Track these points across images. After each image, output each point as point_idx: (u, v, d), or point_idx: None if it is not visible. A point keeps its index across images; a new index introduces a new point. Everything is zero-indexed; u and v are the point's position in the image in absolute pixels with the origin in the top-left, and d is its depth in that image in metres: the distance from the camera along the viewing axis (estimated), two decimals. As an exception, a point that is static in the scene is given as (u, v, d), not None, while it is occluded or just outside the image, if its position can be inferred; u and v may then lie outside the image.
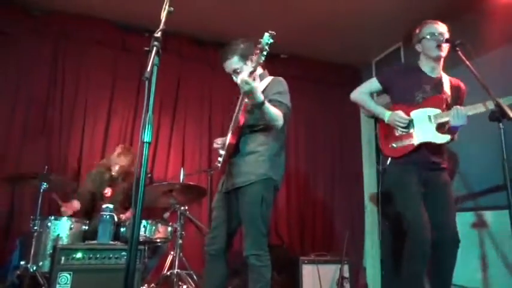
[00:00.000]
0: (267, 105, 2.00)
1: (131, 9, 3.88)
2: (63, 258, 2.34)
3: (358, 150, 4.90)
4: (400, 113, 2.36)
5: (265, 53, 1.92)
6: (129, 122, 4.04)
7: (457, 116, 2.21)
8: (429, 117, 2.31)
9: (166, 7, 1.86)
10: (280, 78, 2.30)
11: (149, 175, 3.60)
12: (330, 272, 3.67)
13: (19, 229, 3.35)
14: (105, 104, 3.99)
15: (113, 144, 3.83)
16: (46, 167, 3.05)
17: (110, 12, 3.94)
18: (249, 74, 1.96)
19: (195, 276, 3.21)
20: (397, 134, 2.38)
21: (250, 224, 2.10)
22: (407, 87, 2.40)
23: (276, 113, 2.07)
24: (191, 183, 3.47)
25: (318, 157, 4.76)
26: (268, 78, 2.30)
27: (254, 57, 1.94)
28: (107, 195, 3.43)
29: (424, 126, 2.31)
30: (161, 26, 1.83)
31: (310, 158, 4.71)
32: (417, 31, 2.45)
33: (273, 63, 3.80)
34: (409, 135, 2.34)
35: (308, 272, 3.61)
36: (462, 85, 2.47)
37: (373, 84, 2.55)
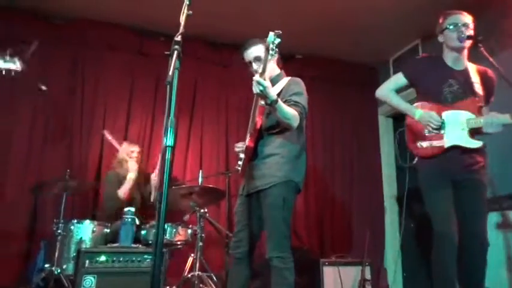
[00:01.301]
0: (280, 103, 1.99)
1: (147, 15, 3.93)
2: (87, 261, 2.37)
3: (376, 150, 4.84)
4: (433, 113, 2.29)
5: (272, 52, 1.92)
6: (148, 126, 4.08)
7: (490, 125, 2.17)
8: (462, 121, 2.24)
9: (185, 11, 1.86)
10: (297, 79, 2.28)
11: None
12: (351, 273, 3.63)
13: (43, 232, 3.41)
14: (123, 108, 4.04)
15: (131, 148, 3.87)
16: (68, 171, 3.09)
17: (126, 18, 3.99)
18: (260, 74, 1.96)
19: (215, 278, 3.22)
20: (426, 134, 2.32)
21: (272, 226, 2.10)
22: (434, 82, 2.34)
23: (290, 112, 2.05)
24: (210, 185, 3.47)
25: (335, 157, 4.71)
26: (285, 79, 2.29)
27: (262, 57, 1.95)
28: (124, 197, 3.46)
29: (456, 130, 2.24)
30: (181, 30, 1.83)
31: (328, 158, 4.67)
32: (440, 21, 2.38)
33: (288, 64, 3.79)
34: (440, 137, 2.27)
35: (329, 274, 3.57)
36: (490, 73, 2.37)
37: (399, 79, 2.48)
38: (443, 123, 2.27)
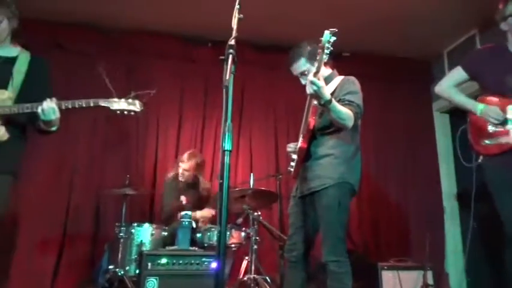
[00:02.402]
0: (334, 103, 1.94)
1: (194, 22, 4.02)
2: (149, 263, 2.45)
3: (432, 148, 4.61)
4: (495, 108, 2.14)
5: (327, 51, 1.88)
6: (199, 130, 4.18)
7: None
8: None
9: (237, 14, 1.87)
10: (351, 78, 2.22)
11: (220, 181, 3.65)
12: (411, 278, 3.46)
13: (106, 235, 3.59)
14: (175, 114, 4.17)
15: (184, 152, 3.96)
16: (128, 176, 3.24)
17: (175, 26, 4.11)
18: (314, 74, 1.92)
19: (270, 281, 3.21)
20: (490, 131, 2.16)
21: (328, 229, 2.06)
22: (498, 73, 2.17)
23: (344, 112, 1.99)
24: (262, 188, 3.48)
25: (388, 157, 4.55)
26: (338, 78, 2.24)
27: (317, 57, 1.90)
28: (182, 202, 3.55)
29: None
30: (234, 34, 1.84)
31: (380, 159, 4.51)
32: (501, 7, 2.20)
33: (335, 62, 3.71)
34: (505, 133, 2.11)
35: (388, 278, 3.44)
36: None
37: (458, 74, 2.33)
38: (506, 118, 2.10)
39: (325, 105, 1.92)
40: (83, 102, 1.86)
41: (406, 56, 4.64)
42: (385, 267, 3.49)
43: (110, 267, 2.96)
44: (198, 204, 3.59)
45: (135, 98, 1.99)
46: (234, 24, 1.87)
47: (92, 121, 3.97)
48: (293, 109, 4.34)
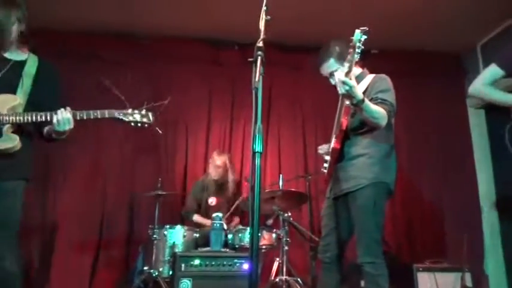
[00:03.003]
0: (367, 103, 1.91)
1: (220, 26, 4.06)
2: (183, 265, 2.49)
3: (467, 145, 4.44)
4: None
5: (358, 50, 1.85)
6: (227, 133, 4.23)
7: None
8: None
9: (264, 16, 1.87)
10: (383, 76, 2.18)
11: (248, 182, 3.68)
12: (448, 280, 3.35)
13: (139, 236, 3.70)
14: (204, 116, 4.23)
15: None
16: (159, 179, 3.31)
17: (201, 31, 4.17)
18: (345, 74, 1.89)
19: (301, 283, 3.19)
20: None
21: (363, 231, 2.03)
22: None
23: (377, 111, 1.95)
24: (292, 189, 3.47)
25: (420, 156, 4.42)
26: (369, 77, 2.20)
27: (348, 56, 1.87)
28: (212, 204, 3.59)
29: None
30: (262, 36, 1.83)
31: (413, 158, 4.38)
32: None
33: (363, 60, 3.65)
34: None
35: (424, 280, 3.34)
36: None
37: (494, 71, 2.22)
38: None
39: (357, 105, 1.89)
40: (98, 114, 1.85)
41: (436, 50, 4.49)
42: (421, 269, 3.39)
43: (145, 268, 3.03)
44: (227, 206, 3.62)
45: (148, 110, 1.97)
46: (262, 26, 1.86)
47: (123, 126, 4.06)
48: (321, 108, 4.31)
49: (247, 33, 4.16)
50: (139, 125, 1.93)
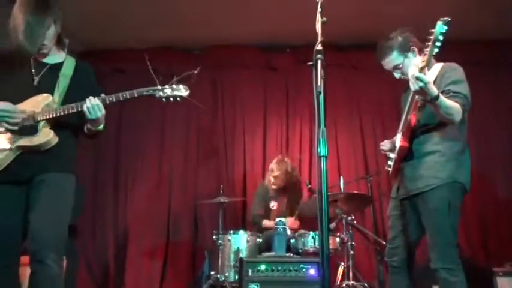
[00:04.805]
0: (442, 98, 1.79)
1: (271, 31, 4.08)
2: (249, 270, 2.52)
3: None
4: None
5: (439, 44, 1.73)
6: (283, 137, 4.24)
7: None
8: None
9: (320, 18, 1.84)
10: (454, 65, 2.03)
11: (309, 186, 3.65)
12: (534, 285, 3.06)
13: (204, 241, 3.82)
14: (260, 122, 4.28)
15: (270, 159, 4.04)
16: (221, 186, 3.40)
17: (253, 37, 4.23)
18: (420, 69, 1.80)
19: (368, 287, 3.09)
20: None
21: (437, 234, 1.91)
22: None
23: (452, 107, 1.84)
24: (355, 191, 3.38)
25: (492, 150, 4.11)
26: (437, 66, 2.05)
27: (427, 50, 1.77)
28: (273, 208, 3.60)
29: None
30: (319, 38, 1.81)
31: (484, 152, 4.07)
32: None
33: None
34: None
35: (504, 286, 3.07)
36: None
37: None
38: None
39: (431, 101, 1.79)
40: (127, 94, 1.79)
41: (505, 37, 4.15)
42: (501, 274, 3.12)
43: (212, 273, 3.10)
44: (290, 211, 3.61)
45: (178, 82, 1.86)
46: (318, 28, 1.84)
47: (185, 136, 4.25)
48: (378, 107, 4.19)
49: (297, 36, 4.15)
50: (171, 99, 1.84)
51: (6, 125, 1.72)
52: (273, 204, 3.60)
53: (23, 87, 1.80)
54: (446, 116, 1.85)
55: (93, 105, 1.74)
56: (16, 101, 1.77)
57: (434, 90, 1.76)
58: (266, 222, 3.58)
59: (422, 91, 1.75)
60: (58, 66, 1.85)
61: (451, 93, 1.89)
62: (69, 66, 1.87)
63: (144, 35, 4.13)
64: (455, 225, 1.91)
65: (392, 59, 2.09)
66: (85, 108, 1.73)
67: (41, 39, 1.77)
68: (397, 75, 2.12)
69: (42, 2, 1.79)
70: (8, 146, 1.72)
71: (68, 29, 1.98)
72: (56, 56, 1.89)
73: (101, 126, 1.87)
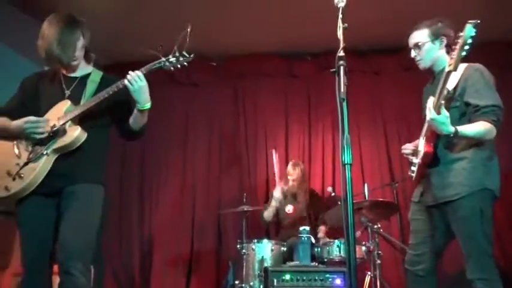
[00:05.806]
0: (462, 130, 1.78)
1: (291, 39, 4.08)
2: (275, 279, 2.49)
3: None
4: None
5: (467, 47, 1.66)
6: (306, 144, 4.21)
7: None
8: None
9: (341, 24, 1.83)
10: (477, 66, 1.93)
11: (333, 194, 3.60)
12: None
13: (227, 250, 3.82)
14: (282, 129, 4.27)
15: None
16: (245, 194, 3.40)
17: (274, 46, 4.24)
18: (447, 73, 1.74)
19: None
20: None
21: (470, 243, 1.83)
22: None
23: (478, 131, 1.80)
24: (380, 199, 3.31)
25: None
26: (461, 67, 1.90)
27: (454, 53, 1.70)
28: (289, 212, 3.59)
29: None
30: (341, 45, 1.80)
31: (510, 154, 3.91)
32: None
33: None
34: None
35: (542, 296, 2.91)
36: None
37: None
38: None
39: (452, 137, 1.79)
40: (143, 70, 1.86)
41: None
42: (538, 283, 2.96)
43: (236, 282, 3.09)
44: (303, 216, 3.57)
45: (180, 49, 1.95)
46: (340, 34, 1.83)
47: (207, 144, 4.29)
48: (402, 112, 4.09)
49: (317, 43, 4.12)
50: (179, 66, 1.94)
51: (34, 135, 1.80)
52: (289, 208, 3.58)
53: (55, 101, 1.87)
54: (477, 140, 1.83)
55: (134, 76, 1.80)
56: None
57: (449, 128, 1.75)
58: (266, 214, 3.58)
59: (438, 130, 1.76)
60: (86, 77, 1.94)
61: (480, 111, 1.83)
62: (96, 75, 1.96)
63: (165, 47, 4.20)
64: (489, 234, 1.83)
65: (420, 35, 2.03)
66: (126, 82, 1.79)
67: (72, 49, 1.86)
68: (413, 53, 2.06)
69: (70, 17, 1.90)
70: (44, 152, 1.79)
71: (94, 43, 2.04)
72: (83, 69, 1.97)
73: (149, 104, 1.88)
